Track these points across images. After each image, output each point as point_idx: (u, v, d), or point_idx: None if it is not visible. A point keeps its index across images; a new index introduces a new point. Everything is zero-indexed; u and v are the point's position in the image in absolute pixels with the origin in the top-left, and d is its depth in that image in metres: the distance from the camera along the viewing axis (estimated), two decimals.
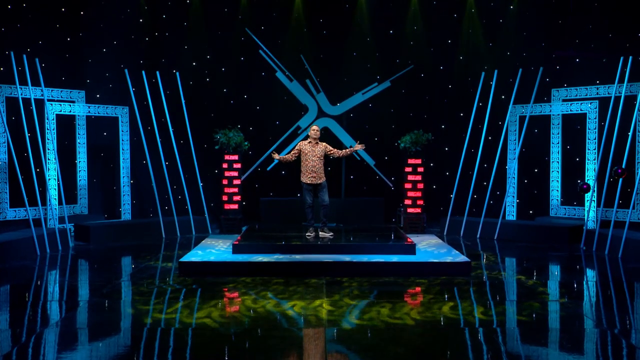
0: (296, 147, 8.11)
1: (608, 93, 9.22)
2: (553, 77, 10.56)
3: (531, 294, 5.92)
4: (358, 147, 8.05)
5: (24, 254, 8.00)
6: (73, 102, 10.05)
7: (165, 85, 10.42)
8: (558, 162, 10.16)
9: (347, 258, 7.02)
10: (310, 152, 7.97)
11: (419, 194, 10.31)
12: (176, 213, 10.40)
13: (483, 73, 10.31)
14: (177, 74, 10.49)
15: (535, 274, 7.00)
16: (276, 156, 8.12)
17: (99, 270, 7.38)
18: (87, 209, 10.57)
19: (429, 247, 8.09)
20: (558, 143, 10.14)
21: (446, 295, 5.82)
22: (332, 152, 8.11)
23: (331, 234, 8.14)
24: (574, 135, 10.19)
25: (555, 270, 7.46)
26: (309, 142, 8.05)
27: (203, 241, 8.78)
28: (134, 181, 11.08)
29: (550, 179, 10.26)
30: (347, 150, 8.27)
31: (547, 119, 10.25)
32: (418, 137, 10.17)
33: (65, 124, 10.29)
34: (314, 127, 8.09)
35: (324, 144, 8.12)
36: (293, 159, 8.16)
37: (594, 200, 9.11)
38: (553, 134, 10.20)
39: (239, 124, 10.93)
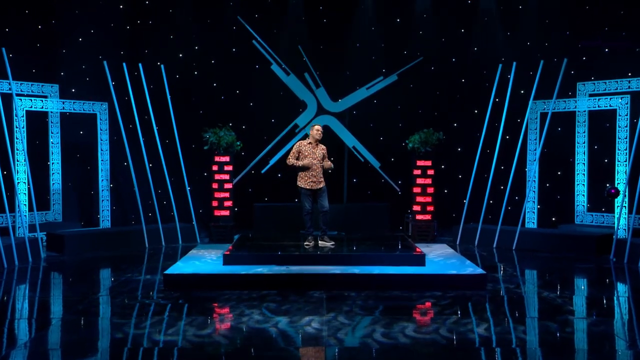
0: (294, 149, 8.05)
1: None
2: (579, 69, 10.53)
3: (555, 310, 5.89)
4: (326, 164, 8.00)
5: None
6: (45, 97, 10.03)
7: (149, 79, 10.40)
8: (584, 163, 10.14)
9: (349, 270, 7.01)
10: (310, 155, 7.95)
11: (428, 199, 10.28)
12: (161, 220, 10.37)
13: (500, 65, 10.30)
14: (162, 66, 10.48)
15: (559, 288, 6.97)
16: (298, 163, 7.96)
17: (74, 284, 7.34)
18: (61, 215, 10.54)
19: (440, 258, 8.09)
20: (584, 143, 10.12)
21: (459, 312, 5.79)
22: (328, 162, 8.09)
23: (332, 243, 8.12)
24: (602, 134, 10.16)
25: (581, 284, 7.43)
26: (309, 142, 8.04)
27: (191, 251, 8.78)
28: (114, 185, 11.04)
29: (576, 183, 10.23)
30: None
31: (571, 115, 10.23)
32: (428, 136, 10.14)
33: (37, 121, 10.26)
34: (317, 126, 8.08)
35: (323, 147, 8.12)
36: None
37: (624, 206, 9.08)
38: (578, 132, 10.18)
39: (231, 122, 10.91)
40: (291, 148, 8.30)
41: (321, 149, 8.03)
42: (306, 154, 7.95)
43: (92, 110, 10.41)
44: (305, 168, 7.92)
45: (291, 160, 7.98)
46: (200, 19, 11.69)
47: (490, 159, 10.30)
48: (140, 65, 10.28)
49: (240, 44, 11.84)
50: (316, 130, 8.01)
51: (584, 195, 10.18)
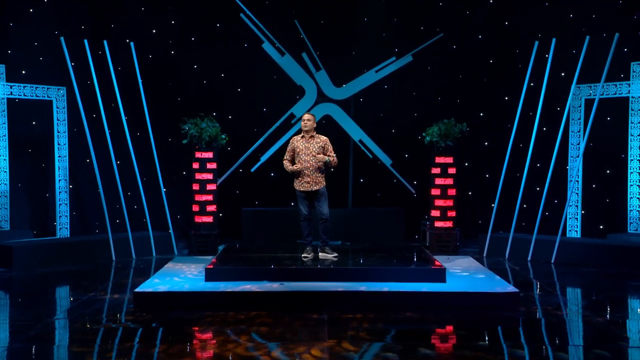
0: (289, 147, 8.20)
1: None
2: (633, 46, 10.52)
3: (603, 337, 5.87)
4: (319, 156, 7.98)
5: None
6: None
7: (116, 59, 10.39)
8: (639, 160, 10.11)
9: (355, 287, 7.01)
10: (304, 150, 8.02)
11: (449, 202, 10.27)
12: (131, 228, 10.36)
13: (536, 43, 10.29)
14: (132, 44, 10.48)
15: (608, 310, 6.94)
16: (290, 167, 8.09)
17: (25, 306, 7.33)
18: (9, 223, 10.52)
19: (464, 273, 8.13)
20: (639, 135, 10.10)
21: (487, 337, 5.78)
22: (330, 155, 8.06)
23: (334, 255, 8.14)
24: None
25: (636, 306, 7.41)
26: (302, 136, 8.14)
27: (166, 265, 8.82)
28: (74, 186, 11.04)
29: (628, 184, 10.22)
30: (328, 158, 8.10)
31: (624, 102, 10.22)
32: (449, 128, 10.13)
33: None
34: (306, 115, 8.18)
35: (323, 138, 8.12)
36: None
37: None
38: (632, 123, 10.17)
39: (214, 111, 10.91)
40: (287, 144, 8.36)
41: (317, 142, 8.04)
42: (299, 150, 8.05)
43: (46, 97, 10.41)
44: (299, 172, 8.03)
45: (286, 162, 8.17)
46: None
47: (524, 155, 10.29)
48: (105, 42, 10.27)
49: (225, 19, 11.86)
50: (303, 120, 8.10)
51: (638, 198, 10.15)
